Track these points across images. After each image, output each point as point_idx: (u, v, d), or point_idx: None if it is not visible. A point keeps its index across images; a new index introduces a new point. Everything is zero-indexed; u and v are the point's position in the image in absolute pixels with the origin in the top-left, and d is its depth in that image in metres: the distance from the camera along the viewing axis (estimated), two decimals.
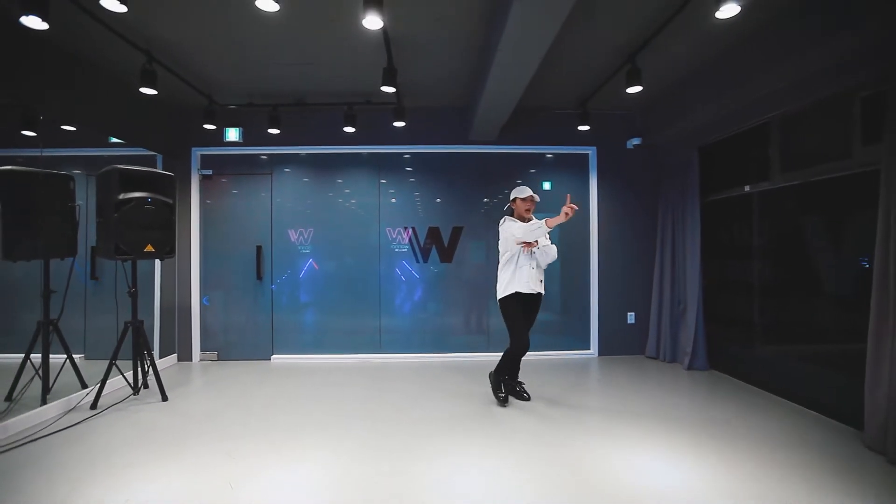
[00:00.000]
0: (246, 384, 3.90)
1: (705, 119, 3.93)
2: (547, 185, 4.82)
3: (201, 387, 3.87)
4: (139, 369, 3.54)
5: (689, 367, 4.14)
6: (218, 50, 3.40)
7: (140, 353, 3.52)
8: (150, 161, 4.46)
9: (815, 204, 3.19)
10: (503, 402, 3.27)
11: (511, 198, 3.31)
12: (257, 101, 4.33)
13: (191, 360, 4.63)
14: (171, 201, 3.52)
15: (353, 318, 4.72)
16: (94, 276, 4.17)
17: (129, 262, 3.40)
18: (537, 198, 3.24)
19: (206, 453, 2.54)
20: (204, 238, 4.70)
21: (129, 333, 3.42)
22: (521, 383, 3.48)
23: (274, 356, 4.67)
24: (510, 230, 3.17)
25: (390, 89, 3.26)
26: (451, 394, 3.58)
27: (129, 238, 3.23)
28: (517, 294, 3.17)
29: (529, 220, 3.21)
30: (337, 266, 4.75)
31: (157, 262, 4.45)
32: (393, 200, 4.76)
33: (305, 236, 4.72)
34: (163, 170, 4.44)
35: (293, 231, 4.71)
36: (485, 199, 4.77)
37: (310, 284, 4.73)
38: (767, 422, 2.94)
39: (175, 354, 4.61)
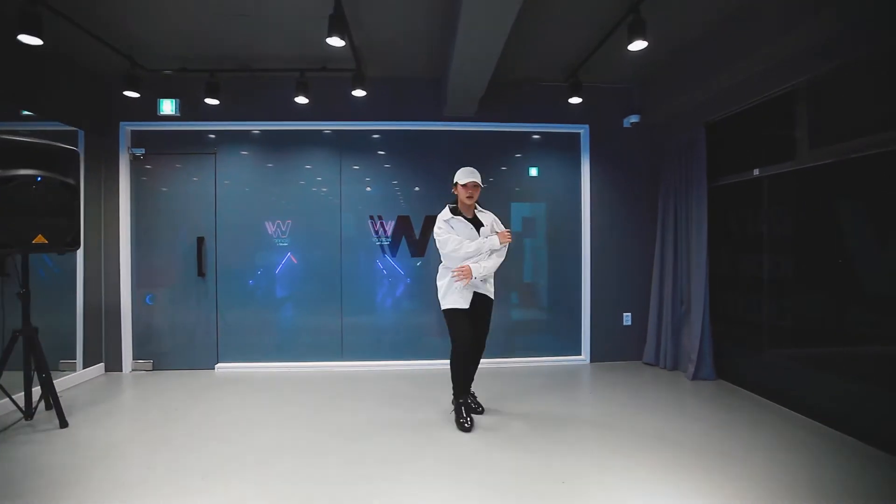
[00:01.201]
0: (176, 402, 3.27)
1: (715, 90, 3.37)
2: (534, 171, 4.24)
3: (120, 406, 3.24)
4: (46, 388, 2.88)
5: (695, 377, 3.62)
6: None
7: (40, 367, 2.86)
8: (71, 138, 3.78)
9: (852, 186, 2.65)
10: (466, 428, 2.70)
11: (453, 181, 2.83)
12: (193, 65, 3.66)
13: (121, 371, 3.98)
14: (72, 182, 2.87)
15: (312, 321, 4.11)
16: (2, 272, 3.50)
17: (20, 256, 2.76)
18: (480, 182, 2.78)
19: None
20: (136, 228, 4.04)
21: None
22: (471, 394, 2.96)
23: (219, 365, 4.04)
24: (440, 240, 2.77)
25: (339, 42, 2.64)
26: (416, 415, 3.00)
27: (10, 226, 2.57)
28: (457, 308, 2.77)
29: (471, 208, 2.84)
30: (287, 263, 4.12)
31: (80, 256, 3.78)
32: (356, 185, 4.14)
33: (260, 226, 4.08)
34: (86, 148, 3.82)
35: (243, 220, 4.07)
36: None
37: (263, 282, 4.10)
38: (792, 451, 2.41)
39: (102, 364, 3.96)
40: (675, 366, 3.92)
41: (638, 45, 2.65)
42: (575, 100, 3.72)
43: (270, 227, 4.09)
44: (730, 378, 3.58)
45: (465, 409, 2.77)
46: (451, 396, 2.89)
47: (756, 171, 3.27)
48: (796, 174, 2.96)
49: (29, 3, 2.51)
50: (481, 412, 2.96)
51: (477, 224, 2.83)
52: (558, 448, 2.47)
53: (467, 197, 2.75)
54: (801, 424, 2.76)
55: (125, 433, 2.73)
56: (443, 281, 2.82)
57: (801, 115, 2.88)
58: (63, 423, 2.79)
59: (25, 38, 2.53)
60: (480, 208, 2.91)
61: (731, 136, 3.56)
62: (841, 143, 2.62)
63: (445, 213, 2.83)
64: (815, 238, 2.92)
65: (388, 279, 4.16)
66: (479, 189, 2.79)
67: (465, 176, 2.76)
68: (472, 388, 2.98)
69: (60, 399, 2.88)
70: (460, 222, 2.80)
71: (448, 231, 2.78)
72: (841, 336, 2.74)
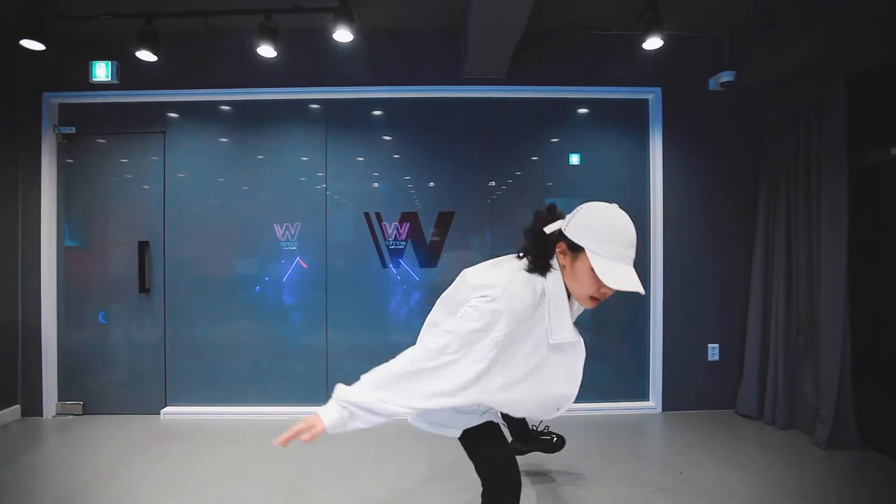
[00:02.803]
0: (104, 464, 2.36)
1: (862, 24, 2.26)
2: (575, 159, 3.16)
3: (32, 468, 2.36)
4: None
5: (829, 445, 2.48)
6: None
7: None
8: None
9: None
10: None
11: (570, 237, 1.12)
12: (124, 9, 2.70)
13: (41, 415, 3.05)
14: None
15: (289, 352, 3.12)
16: None
17: None
18: (640, 290, 1.05)
19: None
20: (63, 229, 3.12)
21: None
22: (541, 427, 2.06)
23: (166, 409, 3.08)
24: (463, 328, 1.10)
25: None
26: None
27: None
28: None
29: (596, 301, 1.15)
30: (268, 270, 3.14)
31: None
32: (347, 173, 3.13)
33: (224, 227, 3.12)
34: None
35: (200, 219, 3.11)
36: (491, 183, 3.13)
37: (227, 299, 3.13)
38: None
39: (17, 406, 3.04)
40: (791, 423, 2.77)
41: None
42: (653, 43, 2.62)
43: (237, 229, 3.11)
44: (885, 448, 2.43)
45: None
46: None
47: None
48: None
49: None
50: (558, 445, 2.06)
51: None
52: None
53: (593, 297, 1.13)
54: None
55: None
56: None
57: None
58: None
59: None
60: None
61: (889, 94, 2.42)
62: None
63: (529, 287, 1.13)
64: None
65: (390, 299, 3.15)
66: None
67: (619, 253, 1.07)
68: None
69: None
70: (560, 328, 1.15)
71: (496, 347, 1.09)
72: None
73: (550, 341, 1.13)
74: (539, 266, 1.14)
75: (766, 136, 2.95)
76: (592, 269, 1.06)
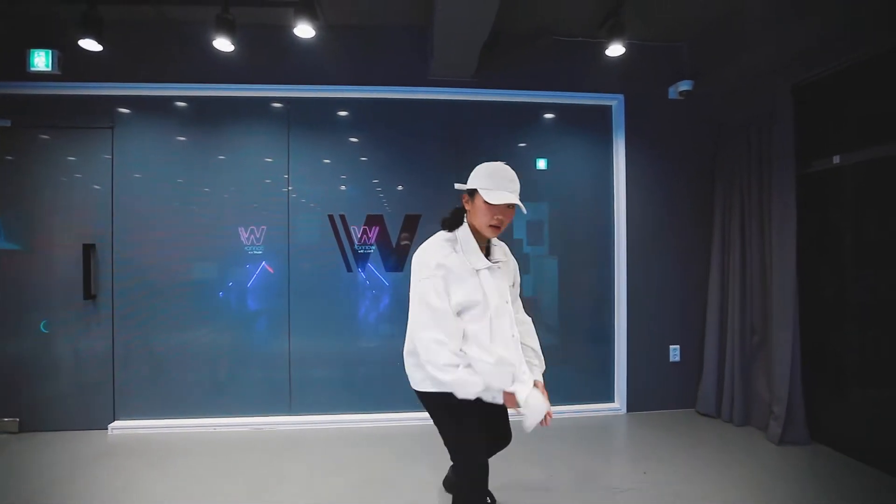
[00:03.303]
0: (41, 485, 2.16)
1: (809, 39, 2.38)
2: (542, 164, 3.19)
3: None
4: None
5: (782, 441, 2.58)
6: None
7: None
8: None
9: None
10: None
11: (466, 187, 1.53)
12: None
13: None
14: None
15: (248, 359, 2.99)
16: None
17: None
18: (521, 205, 1.47)
19: None
20: (0, 231, 2.88)
21: None
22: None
23: (114, 424, 2.88)
24: (420, 295, 1.45)
25: None
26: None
27: None
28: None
29: (485, 243, 1.56)
30: (225, 275, 3.00)
31: None
32: (310, 174, 3.04)
33: (176, 228, 2.95)
34: None
35: (150, 220, 2.94)
36: (457, 184, 3.09)
37: (179, 305, 2.96)
38: None
39: None
40: (747, 420, 2.88)
41: None
42: (615, 50, 2.67)
43: (188, 231, 2.95)
44: (832, 442, 2.55)
45: None
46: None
47: (836, 159, 2.27)
48: None
49: None
50: None
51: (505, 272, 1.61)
52: None
53: (491, 226, 1.47)
54: None
55: None
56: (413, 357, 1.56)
57: None
58: None
59: None
60: (497, 243, 1.66)
61: (832, 105, 2.56)
62: None
63: (439, 244, 1.50)
64: None
65: (354, 304, 3.07)
66: (512, 214, 1.51)
67: (498, 183, 1.44)
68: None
69: None
70: (464, 264, 1.47)
71: (441, 290, 1.42)
72: None
73: (474, 268, 1.48)
74: (450, 224, 1.57)
75: (722, 144, 3.06)
76: (486, 201, 1.43)
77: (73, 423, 2.87)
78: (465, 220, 1.56)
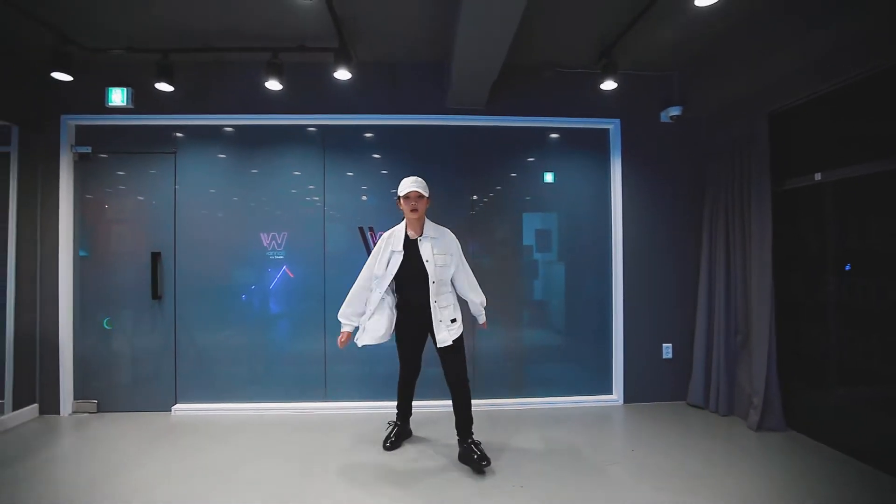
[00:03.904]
0: (119, 457, 2.62)
1: (781, 72, 2.72)
2: (551, 177, 3.57)
3: (50, 462, 2.57)
4: None
5: (760, 427, 2.91)
6: None
7: None
8: (2, 136, 3.16)
9: None
10: (387, 447, 2.69)
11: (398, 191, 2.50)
12: (141, 44, 3.02)
13: (58, 413, 3.30)
14: None
15: (290, 352, 3.43)
16: None
17: None
18: (426, 192, 2.45)
19: None
20: (79, 242, 3.38)
21: None
22: (472, 440, 2.45)
23: (177, 406, 3.36)
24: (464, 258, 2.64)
25: None
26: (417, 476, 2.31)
27: None
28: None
29: (417, 225, 2.49)
30: (270, 279, 3.45)
31: (11, 275, 3.14)
32: (343, 191, 3.47)
33: (230, 239, 3.42)
34: (20, 146, 3.20)
35: (207, 232, 3.41)
36: (474, 197, 3.51)
37: (232, 306, 3.43)
38: None
39: (36, 405, 3.28)
40: (731, 410, 3.21)
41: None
42: (608, 85, 3.06)
43: (243, 240, 3.42)
44: (805, 429, 2.87)
45: (396, 433, 2.75)
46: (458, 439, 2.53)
47: (819, 175, 2.60)
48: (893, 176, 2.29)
49: None
50: (485, 464, 2.35)
51: (415, 250, 2.46)
52: None
53: (411, 210, 2.42)
54: None
55: (48, 501, 2.06)
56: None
57: None
58: None
59: None
60: (435, 225, 2.55)
61: (803, 130, 2.89)
62: None
63: (396, 228, 2.56)
64: None
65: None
66: (426, 201, 2.45)
67: (406, 185, 2.42)
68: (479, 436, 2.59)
69: None
70: (394, 245, 2.48)
71: (375, 252, 2.53)
72: None
73: (393, 249, 2.47)
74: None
75: (708, 163, 3.41)
76: (398, 198, 2.47)
77: (141, 406, 3.35)
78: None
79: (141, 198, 3.41)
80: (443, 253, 2.46)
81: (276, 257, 3.44)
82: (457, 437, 2.50)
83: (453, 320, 2.45)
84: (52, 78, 2.92)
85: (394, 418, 2.83)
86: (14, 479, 2.36)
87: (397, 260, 2.44)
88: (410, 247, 2.46)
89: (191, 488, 2.28)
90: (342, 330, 2.53)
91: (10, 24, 2.76)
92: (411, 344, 2.60)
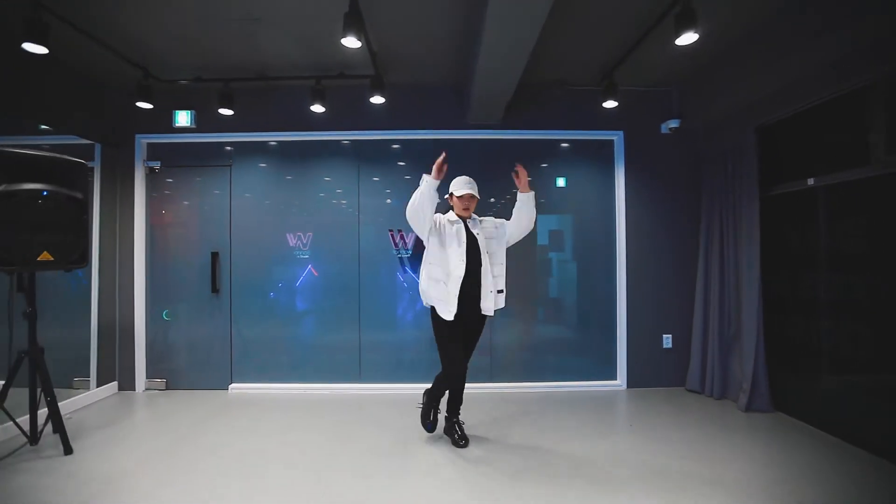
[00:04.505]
0: (186, 426, 3.10)
1: (768, 90, 3.05)
2: (563, 182, 3.96)
3: (130, 429, 3.09)
4: (51, 411, 2.74)
5: (748, 408, 3.24)
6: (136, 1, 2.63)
7: (46, 390, 2.72)
8: (88, 152, 3.73)
9: None
10: (429, 428, 2.84)
11: (451, 189, 2.69)
12: (206, 75, 3.55)
13: (134, 390, 3.86)
14: (79, 196, 2.75)
15: (328, 339, 3.91)
16: (21, 289, 3.44)
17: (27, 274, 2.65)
18: (477, 193, 2.65)
19: None
20: (151, 242, 3.94)
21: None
22: (458, 419, 2.81)
23: (232, 385, 3.87)
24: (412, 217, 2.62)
25: (355, 43, 2.45)
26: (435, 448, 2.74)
27: (14, 243, 2.46)
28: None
29: (465, 211, 2.66)
30: (307, 277, 3.94)
31: (95, 272, 3.70)
32: (375, 197, 3.94)
33: (277, 239, 3.93)
34: (102, 161, 3.76)
35: (258, 234, 3.92)
36: (491, 199, 3.92)
37: (279, 299, 3.93)
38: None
39: (115, 383, 3.84)
40: (724, 394, 3.54)
41: (687, 39, 2.37)
42: (610, 104, 3.44)
43: (291, 240, 3.92)
44: (789, 410, 3.19)
45: (434, 412, 2.83)
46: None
47: (811, 181, 2.93)
48: (868, 182, 2.60)
49: (32, 10, 2.41)
50: (462, 444, 2.70)
51: (471, 236, 2.64)
52: (591, 489, 2.17)
53: (463, 209, 2.62)
54: (883, 469, 2.37)
55: (131, 461, 2.56)
56: (426, 270, 2.65)
57: (876, 116, 2.53)
58: (67, 450, 2.64)
59: (31, 48, 2.43)
60: (476, 217, 2.74)
61: (787, 141, 3.21)
62: None
63: (442, 216, 2.68)
64: (892, 253, 2.54)
65: (409, 293, 3.93)
66: (476, 201, 2.66)
67: (461, 186, 2.61)
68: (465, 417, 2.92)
69: (72, 420, 2.77)
70: (452, 226, 2.62)
71: (437, 232, 2.61)
72: None
73: (447, 233, 2.59)
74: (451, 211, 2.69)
75: (704, 171, 3.74)
76: (452, 195, 2.65)
77: (202, 384, 3.88)
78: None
79: (201, 204, 3.94)
80: (490, 226, 2.71)
81: (305, 256, 3.93)
82: (445, 413, 2.82)
83: (500, 291, 2.67)
84: (128, 103, 3.48)
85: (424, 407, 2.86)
86: (101, 442, 2.84)
87: (460, 228, 2.60)
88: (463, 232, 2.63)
89: (252, 447, 2.76)
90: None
91: (99, 63, 3.30)
92: (465, 336, 2.64)
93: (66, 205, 2.66)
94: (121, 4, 2.67)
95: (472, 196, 2.62)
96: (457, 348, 2.57)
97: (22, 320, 2.93)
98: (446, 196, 2.73)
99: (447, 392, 2.77)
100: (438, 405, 2.84)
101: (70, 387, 3.60)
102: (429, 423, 2.84)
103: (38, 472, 2.42)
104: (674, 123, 3.76)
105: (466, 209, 2.62)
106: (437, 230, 2.59)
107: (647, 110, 3.87)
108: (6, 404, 2.59)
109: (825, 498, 2.12)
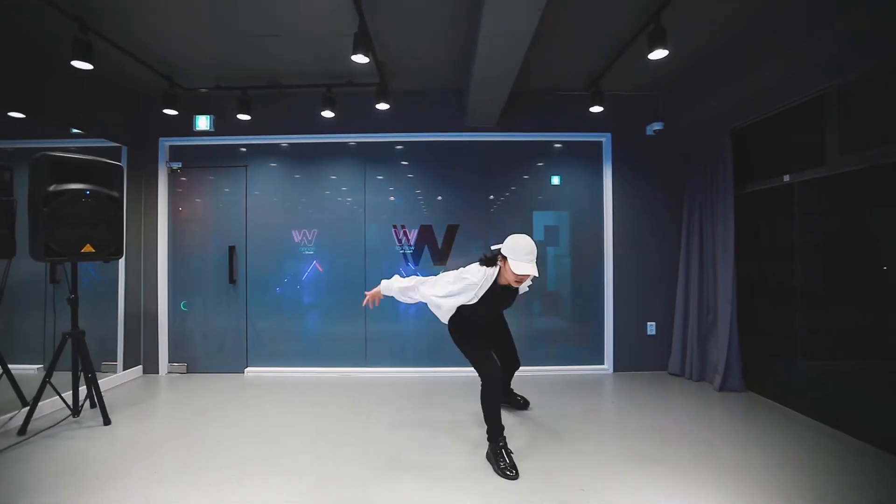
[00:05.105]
0: (209, 404, 3.42)
1: (740, 96, 3.33)
2: (556, 180, 4.26)
3: (158, 406, 3.41)
4: (91, 387, 3.08)
5: (722, 388, 3.53)
6: (166, 19, 2.94)
7: (86, 368, 3.05)
8: (115, 153, 4.04)
9: (887, 193, 2.57)
10: (510, 475, 2.23)
11: (501, 252, 2.33)
12: (225, 83, 3.85)
13: (157, 373, 4.18)
14: (116, 194, 3.07)
15: (336, 328, 4.22)
16: (54, 279, 3.77)
17: (70, 264, 2.97)
18: (536, 273, 2.24)
19: (132, 497, 2.06)
20: (173, 237, 4.26)
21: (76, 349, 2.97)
22: (511, 393, 3.17)
23: (248, 369, 4.20)
24: (447, 278, 2.46)
25: (364, 59, 2.75)
26: (439, 426, 3.05)
27: (62, 237, 2.78)
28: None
29: (518, 283, 2.35)
30: (318, 270, 4.25)
31: (122, 264, 4.02)
32: (380, 196, 4.24)
33: (288, 235, 4.24)
34: (128, 162, 4.07)
35: (271, 229, 4.23)
36: (490, 196, 4.22)
37: (290, 290, 4.25)
38: (830, 469, 2.34)
39: (140, 366, 4.17)
40: (702, 377, 3.83)
41: (658, 55, 2.65)
42: (596, 109, 3.73)
43: (297, 236, 4.23)
44: (759, 390, 3.48)
45: (506, 452, 2.31)
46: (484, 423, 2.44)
47: (786, 178, 3.21)
48: (827, 181, 2.89)
49: (81, 32, 2.73)
50: (524, 406, 3.18)
51: (513, 294, 2.55)
52: (576, 456, 2.47)
53: (516, 282, 2.31)
54: (839, 441, 2.66)
55: (163, 431, 2.88)
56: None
57: (831, 120, 2.81)
58: (106, 421, 2.97)
59: (78, 64, 2.74)
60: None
61: (758, 143, 3.49)
62: (874, 148, 2.55)
63: (476, 272, 2.35)
64: (849, 246, 2.83)
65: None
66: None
67: (523, 259, 2.21)
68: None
69: (104, 398, 3.07)
70: (490, 294, 2.39)
71: (452, 290, 2.39)
72: (880, 348, 2.64)
73: (476, 298, 2.39)
74: (488, 263, 2.38)
75: (687, 170, 4.02)
76: (506, 261, 2.28)
77: (221, 368, 4.20)
78: (496, 265, 2.35)
79: (220, 200, 4.26)
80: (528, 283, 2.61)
81: (310, 251, 4.24)
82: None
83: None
84: (153, 109, 3.79)
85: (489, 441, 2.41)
86: (134, 416, 3.17)
87: (488, 296, 2.40)
88: (502, 289, 2.45)
89: (272, 418, 3.07)
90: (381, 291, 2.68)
91: (130, 74, 3.62)
92: (489, 333, 2.66)
93: (105, 203, 2.99)
94: (152, 25, 2.98)
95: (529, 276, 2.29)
96: (478, 345, 2.50)
97: (55, 307, 3.30)
98: (493, 248, 2.39)
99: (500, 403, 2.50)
100: (503, 434, 2.37)
101: (99, 370, 3.92)
102: (504, 463, 2.26)
103: (84, 438, 2.75)
104: (657, 126, 4.04)
105: (519, 282, 2.31)
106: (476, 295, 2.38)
107: (633, 114, 4.15)
108: (52, 381, 2.92)
109: (781, 460, 2.42)
